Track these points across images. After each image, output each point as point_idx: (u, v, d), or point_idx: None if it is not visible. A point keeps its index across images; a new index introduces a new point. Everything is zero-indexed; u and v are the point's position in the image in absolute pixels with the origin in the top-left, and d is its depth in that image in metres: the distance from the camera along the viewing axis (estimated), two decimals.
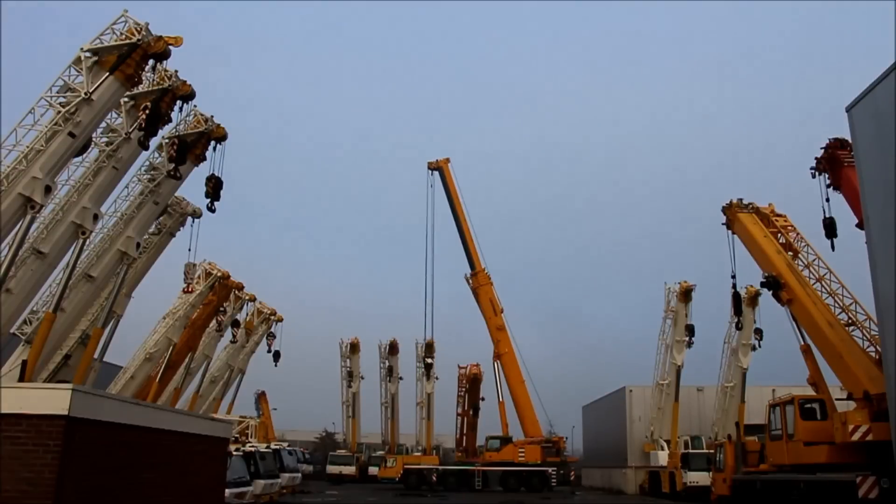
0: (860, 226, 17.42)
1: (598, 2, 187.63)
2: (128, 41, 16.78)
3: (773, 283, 22.12)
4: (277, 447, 30.76)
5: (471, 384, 47.72)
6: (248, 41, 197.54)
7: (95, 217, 18.09)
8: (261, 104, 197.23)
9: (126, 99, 18.31)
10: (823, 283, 22.00)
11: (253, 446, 25.05)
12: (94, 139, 18.03)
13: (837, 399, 19.55)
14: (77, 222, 17.51)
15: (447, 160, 45.67)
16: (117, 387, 25.86)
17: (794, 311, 21.66)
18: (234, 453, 20.32)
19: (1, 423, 8.33)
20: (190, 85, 18.92)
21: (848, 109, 15.16)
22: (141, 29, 16.95)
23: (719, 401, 38.70)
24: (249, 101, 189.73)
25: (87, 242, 18.41)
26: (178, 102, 19.01)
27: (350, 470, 51.31)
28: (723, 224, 25.74)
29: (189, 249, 23.50)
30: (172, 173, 20.18)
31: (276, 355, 39.23)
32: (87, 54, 16.59)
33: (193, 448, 12.72)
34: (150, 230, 22.69)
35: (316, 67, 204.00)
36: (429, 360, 48.86)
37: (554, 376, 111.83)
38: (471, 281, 44.69)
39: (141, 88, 18.40)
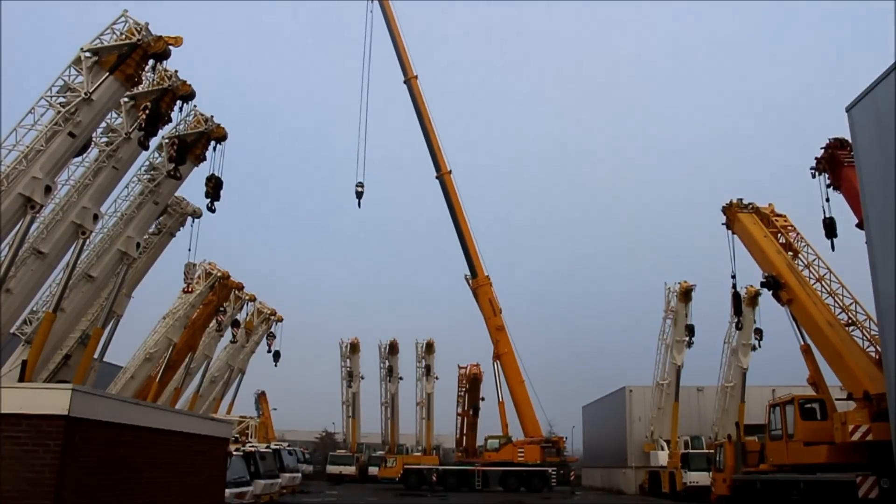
0: (860, 226, 17.41)
1: (604, 2, 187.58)
2: (128, 41, 16.80)
3: (773, 283, 22.12)
4: (277, 447, 30.79)
5: (471, 384, 47.75)
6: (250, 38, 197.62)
7: (95, 217, 18.09)
8: (266, 104, 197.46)
9: (126, 99, 18.32)
10: (823, 283, 21.99)
11: (253, 446, 25.06)
12: (94, 139, 18.04)
13: (837, 399, 19.53)
14: (77, 222, 17.51)
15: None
16: (117, 387, 25.87)
17: (794, 311, 21.65)
18: (234, 453, 20.32)
19: (1, 423, 8.32)
20: (190, 85, 18.95)
21: (848, 109, 15.14)
22: (141, 29, 16.97)
23: (719, 401, 38.70)
24: (252, 98, 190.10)
25: (87, 242, 18.42)
26: (178, 102, 19.03)
27: (350, 470, 51.32)
28: (723, 224, 25.75)
29: (189, 249, 23.55)
30: (172, 173, 20.19)
31: (276, 355, 39.27)
32: (87, 54, 16.60)
33: (193, 448, 12.72)
34: (150, 230, 22.71)
35: (317, 63, 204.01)
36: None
37: (554, 376, 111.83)
38: (470, 282, 44.71)
39: (141, 88, 18.41)
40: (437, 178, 45.38)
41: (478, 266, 44.12)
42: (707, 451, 34.18)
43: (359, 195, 41.98)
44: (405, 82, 45.82)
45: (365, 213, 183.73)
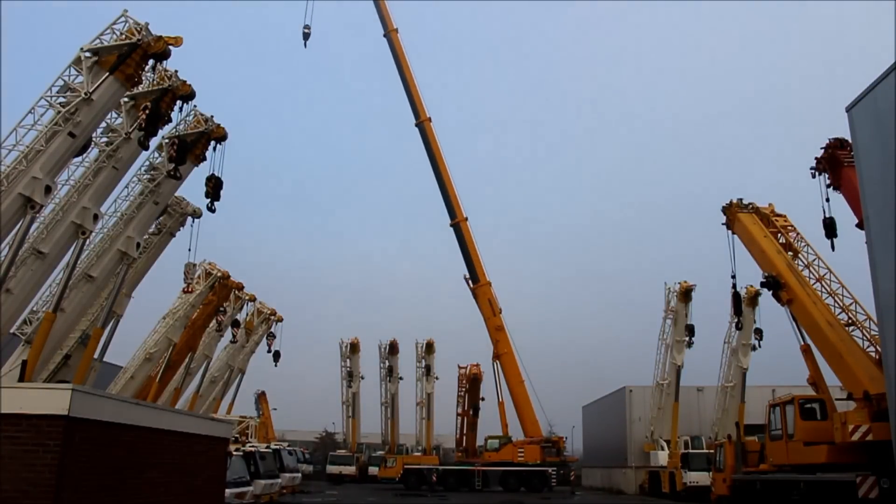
0: (860, 226, 17.42)
1: (602, 2, 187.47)
2: (128, 41, 16.79)
3: (773, 283, 22.12)
4: (277, 447, 30.80)
5: (471, 384, 47.78)
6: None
7: (95, 217, 18.08)
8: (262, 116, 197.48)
9: (126, 99, 18.31)
10: (823, 283, 22.00)
11: (253, 446, 25.06)
12: (94, 139, 18.02)
13: (837, 399, 19.54)
14: (77, 222, 17.50)
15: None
16: (117, 387, 25.87)
17: (794, 311, 21.65)
18: (234, 453, 20.33)
19: (1, 423, 8.32)
20: (190, 85, 18.92)
21: (848, 109, 15.15)
22: (141, 29, 16.95)
23: (719, 401, 38.72)
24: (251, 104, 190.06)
25: (87, 242, 18.40)
26: (178, 102, 19.00)
27: (350, 470, 51.38)
28: (723, 224, 25.74)
29: (189, 249, 23.52)
30: (172, 173, 20.17)
31: (276, 355, 39.25)
32: (87, 54, 16.60)
33: (193, 448, 12.72)
34: (150, 230, 22.69)
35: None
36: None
37: (554, 376, 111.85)
38: (470, 282, 44.71)
39: (141, 88, 18.40)
40: (451, 226, 45.35)
41: (479, 270, 44.13)
42: (707, 451, 34.20)
43: (305, 36, 46.01)
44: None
45: (364, 213, 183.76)
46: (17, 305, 16.93)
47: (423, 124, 46.05)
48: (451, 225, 45.24)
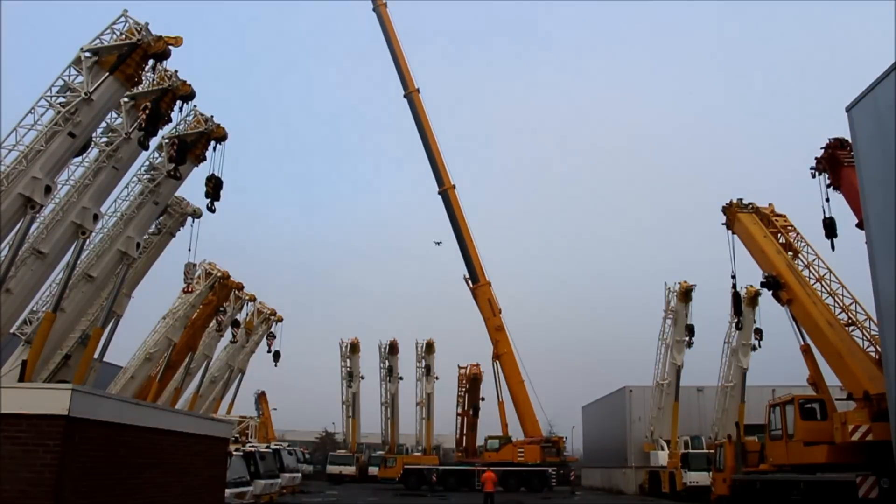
0: (860, 226, 17.44)
1: (595, 1, 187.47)
2: (128, 41, 16.84)
3: (773, 283, 22.14)
4: (277, 447, 30.84)
5: (471, 384, 47.82)
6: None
7: (95, 217, 18.12)
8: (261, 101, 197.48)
9: (126, 99, 18.35)
10: (823, 283, 22.02)
11: (253, 446, 25.09)
12: (94, 139, 18.06)
13: (837, 399, 19.55)
14: (77, 222, 17.53)
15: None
16: (117, 387, 25.89)
17: (794, 311, 21.67)
18: (234, 453, 20.34)
19: (1, 423, 8.32)
20: (190, 85, 18.98)
21: (848, 109, 15.17)
22: (141, 29, 17.00)
23: (719, 401, 38.72)
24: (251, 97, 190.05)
25: (87, 242, 18.44)
26: (178, 102, 19.06)
27: (350, 470, 51.44)
28: (723, 224, 25.77)
29: (189, 249, 23.54)
30: (172, 173, 20.20)
31: (276, 355, 39.30)
32: (87, 54, 16.63)
33: (193, 448, 12.71)
34: (150, 230, 22.73)
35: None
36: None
37: (554, 376, 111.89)
38: (470, 282, 44.76)
39: (141, 88, 18.43)
40: (439, 193, 45.46)
41: (479, 271, 44.23)
42: (707, 451, 34.22)
43: None
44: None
45: (364, 212, 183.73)
46: (17, 305, 16.96)
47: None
48: (440, 192, 45.51)
